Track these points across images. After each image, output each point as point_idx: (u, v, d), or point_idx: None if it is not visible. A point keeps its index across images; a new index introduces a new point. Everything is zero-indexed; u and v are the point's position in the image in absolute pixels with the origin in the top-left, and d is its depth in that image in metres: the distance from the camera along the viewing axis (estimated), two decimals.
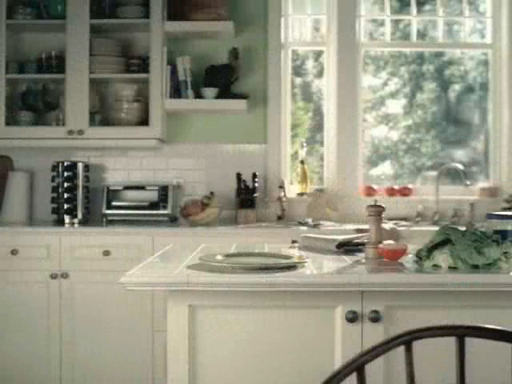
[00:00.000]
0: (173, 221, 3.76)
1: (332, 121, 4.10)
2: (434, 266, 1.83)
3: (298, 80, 4.25)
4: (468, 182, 3.91)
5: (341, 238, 2.27)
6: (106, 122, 3.85)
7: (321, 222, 3.67)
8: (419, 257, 1.91)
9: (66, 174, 3.74)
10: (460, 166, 4.00)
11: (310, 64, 4.28)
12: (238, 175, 3.83)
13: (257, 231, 3.49)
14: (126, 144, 3.82)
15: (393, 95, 4.31)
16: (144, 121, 3.77)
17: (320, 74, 4.23)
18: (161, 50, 3.71)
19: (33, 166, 3.99)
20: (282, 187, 3.92)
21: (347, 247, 2.23)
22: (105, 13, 3.77)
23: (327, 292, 1.75)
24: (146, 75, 3.73)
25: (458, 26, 4.25)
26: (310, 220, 3.69)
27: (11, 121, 3.78)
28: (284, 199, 3.91)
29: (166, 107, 3.78)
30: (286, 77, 4.12)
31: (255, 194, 3.83)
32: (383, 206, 2.06)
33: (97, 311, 3.38)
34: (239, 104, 3.80)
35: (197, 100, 3.81)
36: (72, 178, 3.75)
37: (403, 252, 1.98)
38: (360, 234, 2.38)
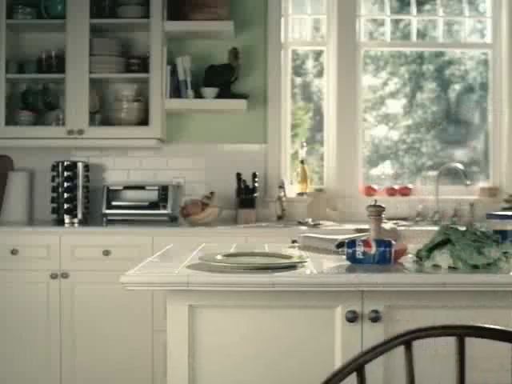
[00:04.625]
0: (173, 221, 3.76)
1: (332, 121, 4.10)
2: (434, 265, 1.83)
3: (298, 80, 4.25)
4: (468, 182, 3.91)
5: (341, 237, 2.27)
6: (106, 121, 3.85)
7: (321, 222, 3.67)
8: (419, 257, 1.91)
9: (65, 173, 3.74)
10: (460, 166, 4.00)
11: (310, 64, 4.28)
12: (238, 175, 3.83)
13: (257, 231, 3.49)
14: (125, 144, 3.82)
15: (393, 95, 4.31)
16: (144, 121, 3.77)
17: (320, 74, 4.23)
18: (161, 50, 3.71)
19: (33, 166, 3.99)
20: (281, 187, 3.92)
21: None
22: (105, 13, 3.77)
23: (327, 292, 1.75)
24: (146, 75, 3.73)
25: (458, 26, 4.25)
26: (309, 220, 3.70)
27: (11, 121, 3.77)
28: (284, 199, 3.92)
29: (166, 107, 3.78)
30: (286, 77, 4.12)
31: (255, 194, 3.83)
32: (383, 205, 2.07)
33: (97, 311, 3.38)
34: (239, 104, 3.80)
35: (197, 100, 3.81)
36: (72, 178, 3.75)
37: (403, 252, 1.98)
38: (360, 234, 2.38)
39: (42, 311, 3.38)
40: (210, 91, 3.81)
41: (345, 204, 4.00)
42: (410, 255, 2.00)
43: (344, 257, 1.91)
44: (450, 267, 1.80)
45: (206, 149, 4.02)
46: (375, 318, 1.76)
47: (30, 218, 3.90)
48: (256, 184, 3.84)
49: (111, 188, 3.82)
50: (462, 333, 1.05)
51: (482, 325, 1.07)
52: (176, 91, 3.81)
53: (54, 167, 3.78)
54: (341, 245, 2.21)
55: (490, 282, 1.71)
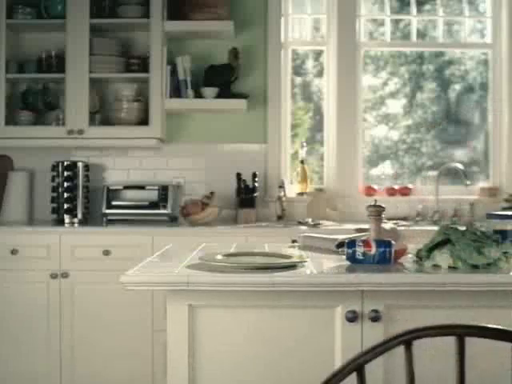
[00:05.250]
0: (173, 220, 3.76)
1: (332, 121, 4.10)
2: (434, 265, 1.83)
3: (298, 80, 4.25)
4: (468, 182, 3.91)
5: (341, 237, 2.27)
6: (106, 121, 3.85)
7: (321, 222, 3.67)
8: (419, 257, 1.91)
9: (65, 173, 3.74)
10: (460, 166, 4.00)
11: (309, 64, 4.28)
12: (238, 175, 3.83)
13: (257, 231, 3.49)
14: (125, 144, 3.82)
15: (393, 95, 4.31)
16: (144, 120, 3.77)
17: (320, 74, 4.23)
18: (161, 50, 3.71)
19: (33, 165, 3.99)
20: (281, 187, 3.92)
21: None
22: (105, 13, 3.77)
23: (327, 292, 1.75)
24: (146, 75, 3.73)
25: (458, 26, 4.25)
26: (309, 220, 3.70)
27: (11, 121, 3.77)
28: (284, 199, 3.92)
29: (166, 107, 3.78)
30: (286, 77, 4.12)
31: (255, 194, 3.83)
32: (383, 205, 2.07)
33: (97, 311, 3.38)
34: (239, 104, 3.80)
35: (197, 100, 3.81)
36: (72, 178, 3.75)
37: (403, 252, 1.98)
38: (360, 234, 2.38)
39: (41, 311, 3.38)
40: (210, 91, 3.81)
41: (345, 204, 4.00)
42: (410, 255, 2.00)
43: (344, 257, 1.91)
44: (449, 267, 1.80)
45: (206, 149, 4.02)
46: (375, 317, 1.76)
47: (30, 218, 3.90)
48: (256, 184, 3.84)
49: (111, 188, 3.82)
50: (461, 332, 1.05)
51: (482, 324, 1.07)
52: (176, 91, 3.81)
53: (54, 167, 3.78)
54: (341, 245, 2.21)
55: (490, 282, 1.71)
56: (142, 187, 3.81)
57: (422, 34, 4.23)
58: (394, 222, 3.73)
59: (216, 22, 3.77)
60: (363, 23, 4.19)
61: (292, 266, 1.83)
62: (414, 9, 4.21)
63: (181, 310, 1.77)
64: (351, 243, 1.89)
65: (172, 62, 3.82)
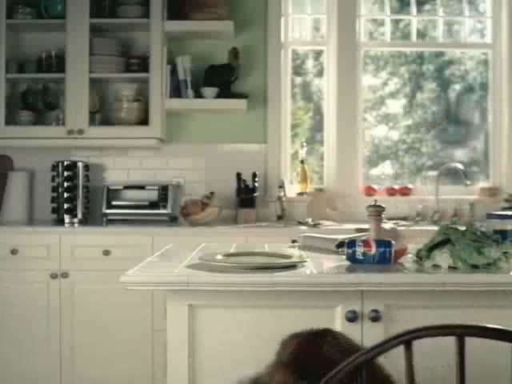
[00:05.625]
0: (173, 220, 3.76)
1: (332, 121, 4.10)
2: (434, 265, 1.83)
3: (298, 80, 4.25)
4: (468, 182, 3.91)
5: (341, 237, 2.27)
6: (106, 121, 3.85)
7: (321, 222, 3.67)
8: (419, 257, 1.91)
9: (65, 173, 3.74)
10: (460, 166, 4.00)
11: (309, 64, 4.28)
12: (238, 175, 3.83)
13: (257, 231, 3.49)
14: (125, 144, 3.82)
15: (393, 95, 4.31)
16: (144, 120, 3.77)
17: (320, 74, 4.23)
18: (161, 50, 3.71)
19: (33, 165, 3.99)
20: (281, 187, 3.92)
21: None
22: (105, 12, 3.77)
23: (327, 292, 1.75)
24: (146, 75, 3.73)
25: (458, 26, 4.25)
26: (309, 220, 3.70)
27: (11, 120, 3.77)
28: (284, 199, 3.92)
29: (166, 107, 3.78)
30: (286, 76, 4.12)
31: (255, 194, 3.83)
32: (383, 205, 2.07)
33: (97, 311, 3.38)
34: (239, 104, 3.80)
35: (197, 99, 3.81)
36: (72, 178, 3.75)
37: (403, 252, 1.98)
38: (360, 234, 2.38)
39: (41, 311, 3.38)
40: (210, 91, 3.81)
41: (345, 204, 4.00)
42: (409, 255, 2.00)
43: (344, 257, 1.91)
44: (449, 267, 1.80)
45: (206, 149, 4.02)
46: (375, 317, 1.76)
47: (30, 218, 3.89)
48: (256, 184, 3.84)
49: (111, 188, 3.82)
50: (461, 332, 1.05)
51: (482, 324, 1.07)
52: (176, 91, 3.81)
53: (54, 167, 3.78)
54: (341, 245, 2.21)
55: (490, 282, 1.72)
56: (142, 187, 3.81)
57: (422, 34, 4.23)
58: (394, 222, 3.73)
59: (216, 22, 3.77)
60: (363, 23, 4.19)
61: (292, 266, 1.83)
62: (414, 9, 4.21)
63: (181, 310, 1.77)
64: (351, 243, 1.89)
65: (172, 62, 3.82)
